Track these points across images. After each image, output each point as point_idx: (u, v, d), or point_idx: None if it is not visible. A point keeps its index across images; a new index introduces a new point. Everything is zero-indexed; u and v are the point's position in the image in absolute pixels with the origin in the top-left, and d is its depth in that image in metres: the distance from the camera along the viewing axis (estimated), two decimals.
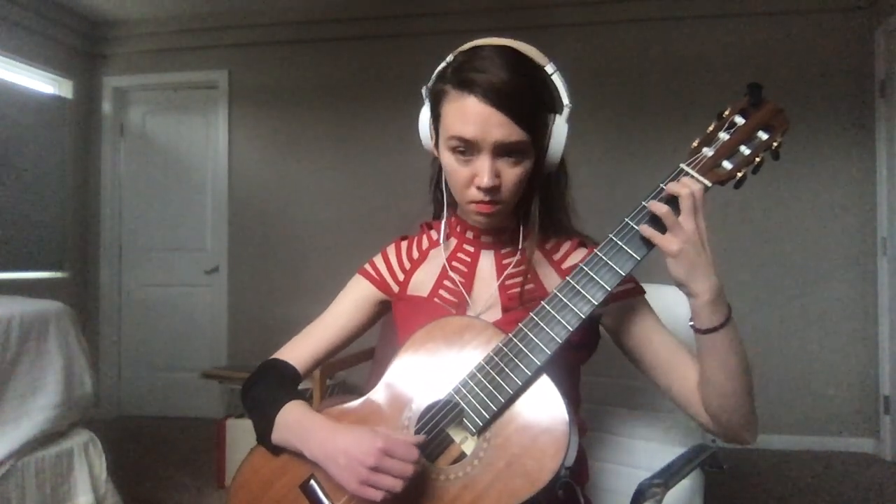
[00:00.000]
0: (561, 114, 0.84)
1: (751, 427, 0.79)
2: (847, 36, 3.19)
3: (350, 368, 2.32)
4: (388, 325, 1.58)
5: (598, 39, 3.42)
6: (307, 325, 1.01)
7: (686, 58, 3.33)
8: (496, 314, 0.87)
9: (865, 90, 3.16)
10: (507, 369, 0.74)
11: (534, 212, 0.87)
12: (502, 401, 0.73)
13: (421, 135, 0.90)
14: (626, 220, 0.75)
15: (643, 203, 0.75)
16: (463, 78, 0.78)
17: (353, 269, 1.03)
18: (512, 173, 0.81)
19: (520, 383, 0.73)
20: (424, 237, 1.00)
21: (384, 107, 3.55)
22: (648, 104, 3.36)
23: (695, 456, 0.96)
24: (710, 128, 0.77)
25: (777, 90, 1.65)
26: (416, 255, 0.99)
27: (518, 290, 0.87)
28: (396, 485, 0.71)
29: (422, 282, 0.95)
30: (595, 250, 0.76)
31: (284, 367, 0.96)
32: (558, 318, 0.74)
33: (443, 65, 0.85)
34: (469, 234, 0.93)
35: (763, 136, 0.75)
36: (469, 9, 3.47)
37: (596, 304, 0.74)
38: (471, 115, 0.77)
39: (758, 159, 0.76)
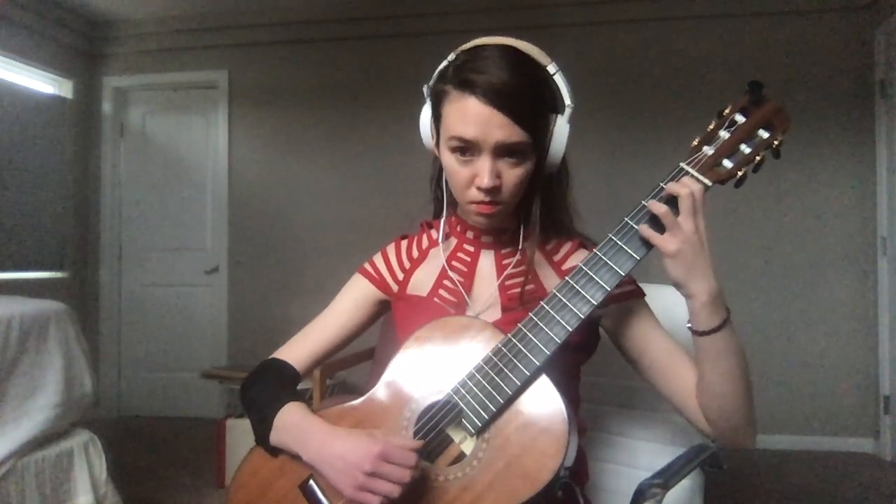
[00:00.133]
0: (562, 114, 0.83)
1: (750, 431, 0.78)
2: (847, 36, 3.19)
3: (350, 368, 2.32)
4: (388, 324, 1.59)
5: (598, 39, 3.42)
6: (307, 324, 1.01)
7: (686, 58, 3.33)
8: (496, 314, 0.87)
9: (865, 90, 3.15)
10: (506, 370, 0.74)
11: (535, 212, 0.87)
12: (501, 401, 0.73)
13: (422, 134, 0.89)
14: (626, 219, 0.75)
15: (643, 203, 0.74)
16: (464, 78, 0.78)
17: (353, 269, 1.02)
18: (513, 174, 0.80)
19: (519, 383, 0.73)
20: (425, 236, 1.00)
21: (384, 107, 3.55)
22: (648, 104, 3.36)
23: (695, 456, 0.96)
24: (711, 126, 0.77)
25: (777, 90, 1.65)
26: (415, 254, 0.98)
27: (518, 290, 0.87)
28: (394, 490, 0.71)
29: (421, 281, 0.95)
30: (594, 250, 0.76)
31: (283, 366, 0.95)
32: (557, 318, 0.74)
33: (444, 64, 0.84)
34: (469, 234, 0.93)
35: (764, 134, 0.75)
36: (469, 9, 3.47)
37: (595, 304, 0.73)
38: (472, 115, 0.77)
39: (758, 158, 0.75)
